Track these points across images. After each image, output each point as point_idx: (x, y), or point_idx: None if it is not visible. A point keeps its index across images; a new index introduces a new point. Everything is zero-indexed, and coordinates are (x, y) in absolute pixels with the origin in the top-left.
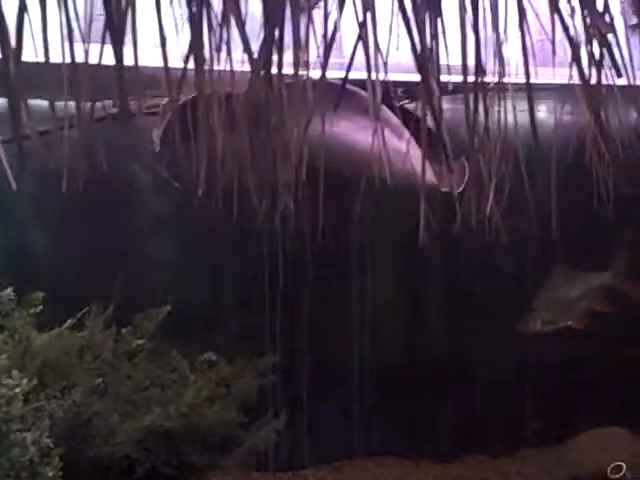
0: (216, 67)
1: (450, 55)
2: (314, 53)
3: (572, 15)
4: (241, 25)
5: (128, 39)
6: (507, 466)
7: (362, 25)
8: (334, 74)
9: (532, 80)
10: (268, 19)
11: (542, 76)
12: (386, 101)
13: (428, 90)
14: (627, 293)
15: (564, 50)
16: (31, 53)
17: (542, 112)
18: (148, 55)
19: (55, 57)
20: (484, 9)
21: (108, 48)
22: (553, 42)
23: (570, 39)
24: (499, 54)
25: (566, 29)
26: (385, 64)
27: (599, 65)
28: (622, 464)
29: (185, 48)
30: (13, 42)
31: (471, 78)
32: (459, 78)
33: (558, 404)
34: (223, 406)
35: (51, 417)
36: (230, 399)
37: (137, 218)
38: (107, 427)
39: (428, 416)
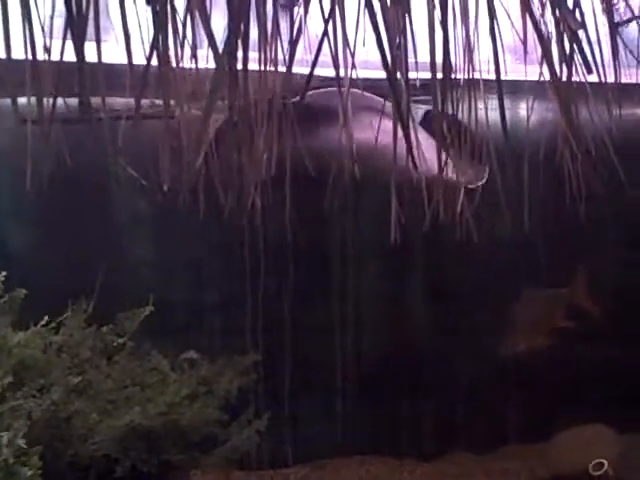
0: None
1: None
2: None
3: (543, 11)
4: (205, 20)
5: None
6: (490, 463)
7: (327, 21)
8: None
9: (509, 77)
10: (233, 14)
11: (523, 74)
12: None
13: (395, 87)
14: (587, 309)
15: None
16: None
17: (523, 109)
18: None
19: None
20: (453, 6)
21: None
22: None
23: (540, 36)
24: (469, 51)
25: (536, 25)
26: (353, 61)
27: (569, 62)
28: (604, 461)
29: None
30: None
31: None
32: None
33: (541, 402)
34: (204, 405)
35: (29, 416)
36: (211, 398)
37: (117, 217)
38: (86, 426)
39: (411, 414)
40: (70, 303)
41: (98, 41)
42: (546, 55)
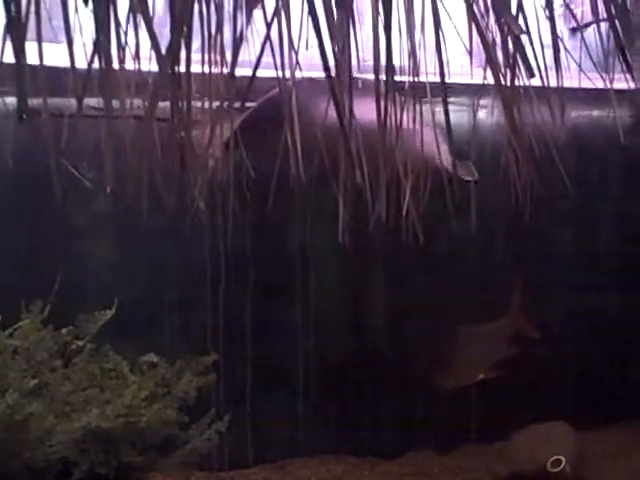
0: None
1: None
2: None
3: (487, 15)
4: (148, 21)
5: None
6: (450, 462)
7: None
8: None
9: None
10: (175, 15)
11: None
12: None
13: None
14: (530, 334)
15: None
16: None
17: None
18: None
19: None
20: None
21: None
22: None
23: (483, 40)
24: (413, 54)
25: (479, 30)
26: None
27: (512, 66)
28: (561, 458)
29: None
30: None
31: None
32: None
33: (501, 400)
34: (162, 406)
35: None
36: (170, 399)
37: (76, 217)
38: (43, 429)
39: (372, 414)
40: (24, 304)
41: (39, 42)
42: (489, 59)
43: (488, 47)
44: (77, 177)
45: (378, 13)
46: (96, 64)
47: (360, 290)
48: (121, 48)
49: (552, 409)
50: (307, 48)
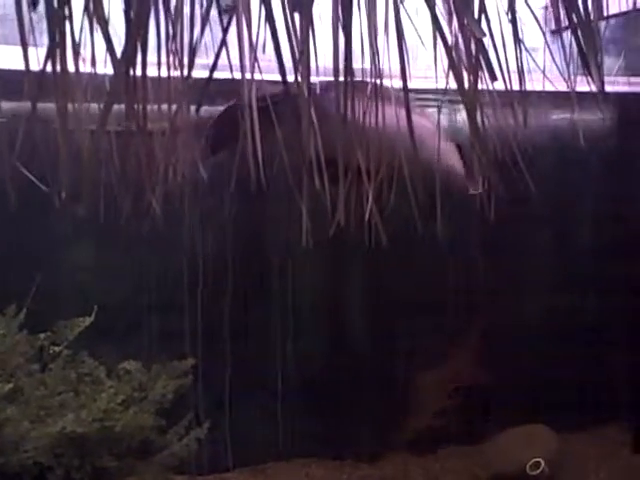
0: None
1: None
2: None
3: (450, 18)
4: (104, 24)
5: None
6: (430, 464)
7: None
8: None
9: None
10: (131, 18)
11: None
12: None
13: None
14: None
15: None
16: None
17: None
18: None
19: None
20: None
21: None
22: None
23: (445, 43)
24: (375, 57)
25: (441, 32)
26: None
27: (475, 69)
28: (540, 460)
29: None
30: None
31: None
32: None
33: (481, 402)
34: (139, 410)
35: None
36: (146, 403)
37: (54, 221)
38: (18, 434)
39: (351, 417)
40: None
41: None
42: (451, 63)
43: (450, 50)
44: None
45: (338, 17)
46: (50, 67)
47: (340, 292)
48: (76, 51)
49: (533, 411)
50: (264, 52)
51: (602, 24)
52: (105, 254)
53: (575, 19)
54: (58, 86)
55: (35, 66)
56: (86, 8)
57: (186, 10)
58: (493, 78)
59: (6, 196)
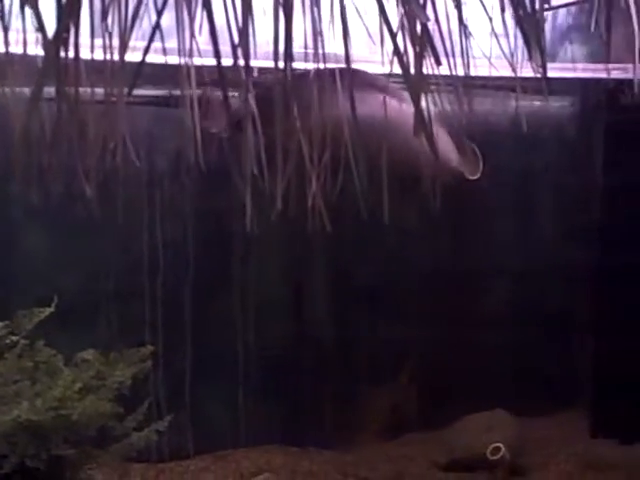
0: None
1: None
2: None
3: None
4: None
5: None
6: (392, 450)
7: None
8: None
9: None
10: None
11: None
12: None
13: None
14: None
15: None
16: None
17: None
18: None
19: None
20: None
21: None
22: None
23: (390, 28)
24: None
25: (385, 17)
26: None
27: (420, 54)
28: (500, 445)
29: None
30: None
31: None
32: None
33: (442, 388)
34: (96, 398)
35: None
36: (104, 391)
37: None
38: None
39: (313, 403)
40: None
41: None
42: (395, 48)
43: (394, 35)
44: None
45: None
46: None
47: (301, 280)
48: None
49: (493, 397)
50: (200, 34)
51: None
52: (61, 242)
53: (518, 6)
54: None
55: None
56: None
57: None
58: (438, 63)
59: None
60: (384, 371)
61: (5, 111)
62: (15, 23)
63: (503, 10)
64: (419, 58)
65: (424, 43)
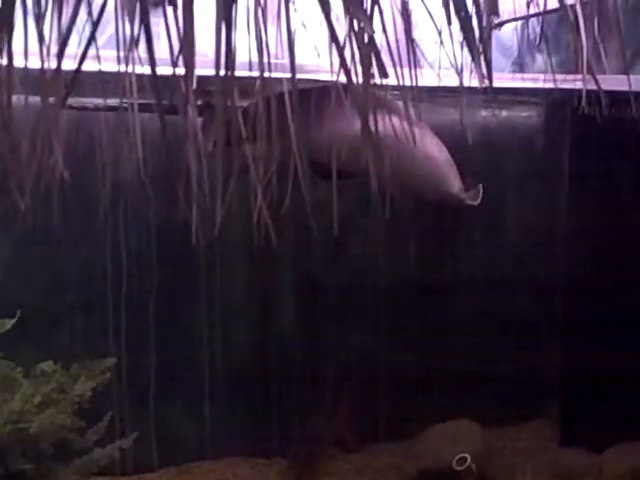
0: None
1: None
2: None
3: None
4: None
5: None
6: (359, 461)
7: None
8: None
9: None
10: None
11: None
12: None
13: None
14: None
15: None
16: None
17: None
18: None
19: None
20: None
21: None
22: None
23: (335, 39)
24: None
25: (332, 29)
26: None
27: (366, 66)
28: (467, 456)
29: None
30: None
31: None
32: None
33: (409, 398)
34: (56, 411)
35: None
36: (64, 404)
37: None
38: None
39: (280, 415)
40: None
41: None
42: (341, 60)
43: (341, 49)
44: None
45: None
46: None
47: (268, 289)
48: None
49: (461, 407)
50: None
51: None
52: (23, 252)
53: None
54: None
55: None
56: None
57: None
58: (384, 75)
59: None
60: (350, 381)
61: None
62: None
63: (450, 22)
64: (366, 70)
65: (370, 55)
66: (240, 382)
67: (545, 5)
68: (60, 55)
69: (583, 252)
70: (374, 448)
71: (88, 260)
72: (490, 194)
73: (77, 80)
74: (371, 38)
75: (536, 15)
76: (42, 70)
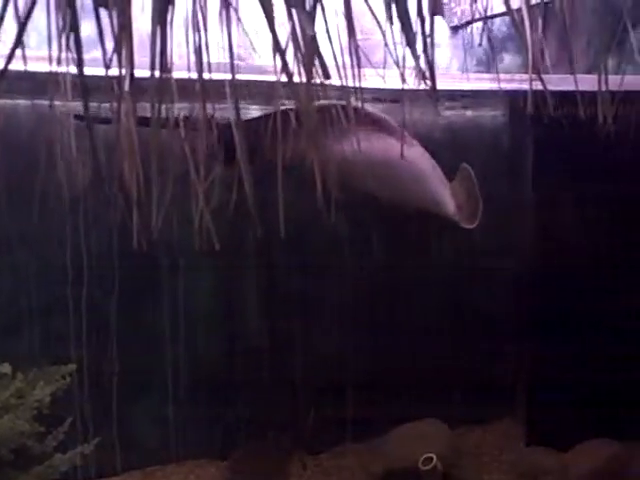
0: None
1: None
2: None
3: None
4: None
5: None
6: (326, 461)
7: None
8: None
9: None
10: None
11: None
12: None
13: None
14: None
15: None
16: None
17: None
18: None
19: None
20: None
21: None
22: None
23: (276, 39)
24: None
25: (272, 28)
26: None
27: (308, 66)
28: (433, 455)
29: None
30: None
31: None
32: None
33: (375, 399)
34: (14, 417)
35: None
36: (23, 409)
37: None
38: None
39: (243, 417)
40: None
41: None
42: (282, 59)
43: (282, 50)
44: None
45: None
46: None
47: (231, 291)
48: None
49: (428, 407)
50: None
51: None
52: None
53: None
54: None
55: None
56: None
57: None
58: (326, 76)
59: None
60: (316, 382)
61: None
62: None
63: (391, 22)
64: (307, 70)
65: (312, 55)
66: (205, 384)
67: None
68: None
69: (545, 250)
70: (341, 449)
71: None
72: None
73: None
74: (313, 38)
75: (501, 15)
76: None
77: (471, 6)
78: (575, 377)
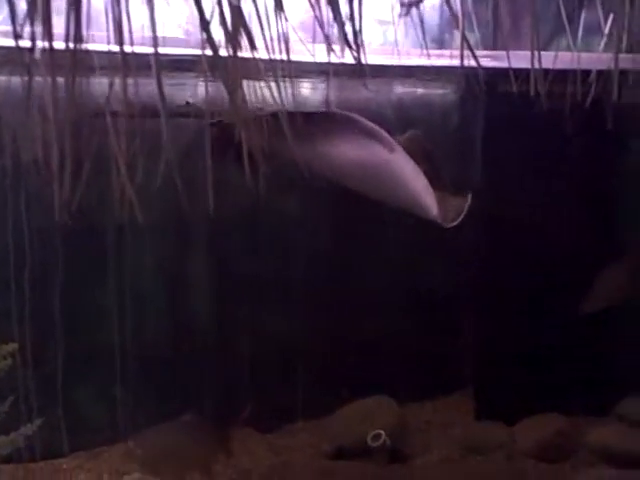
0: None
1: None
2: None
3: None
4: None
5: None
6: (275, 441)
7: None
8: None
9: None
10: None
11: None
12: None
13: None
14: None
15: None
16: None
17: (306, 89)
18: None
19: None
20: None
21: None
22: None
23: (201, 12)
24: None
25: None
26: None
27: (233, 38)
28: (381, 432)
29: None
30: None
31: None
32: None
33: (325, 377)
34: None
35: None
36: None
37: None
38: None
39: (193, 396)
40: None
41: None
42: (206, 31)
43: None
44: None
45: None
46: None
47: (178, 271)
48: None
49: (376, 383)
50: None
51: None
52: None
53: None
54: None
55: None
56: None
57: None
58: (253, 47)
59: None
60: (264, 364)
61: None
62: None
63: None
64: (233, 42)
65: (238, 27)
66: (153, 365)
67: None
68: None
69: (496, 230)
70: (290, 427)
71: None
72: None
73: None
74: (238, 9)
75: None
76: None
77: None
78: (523, 353)
